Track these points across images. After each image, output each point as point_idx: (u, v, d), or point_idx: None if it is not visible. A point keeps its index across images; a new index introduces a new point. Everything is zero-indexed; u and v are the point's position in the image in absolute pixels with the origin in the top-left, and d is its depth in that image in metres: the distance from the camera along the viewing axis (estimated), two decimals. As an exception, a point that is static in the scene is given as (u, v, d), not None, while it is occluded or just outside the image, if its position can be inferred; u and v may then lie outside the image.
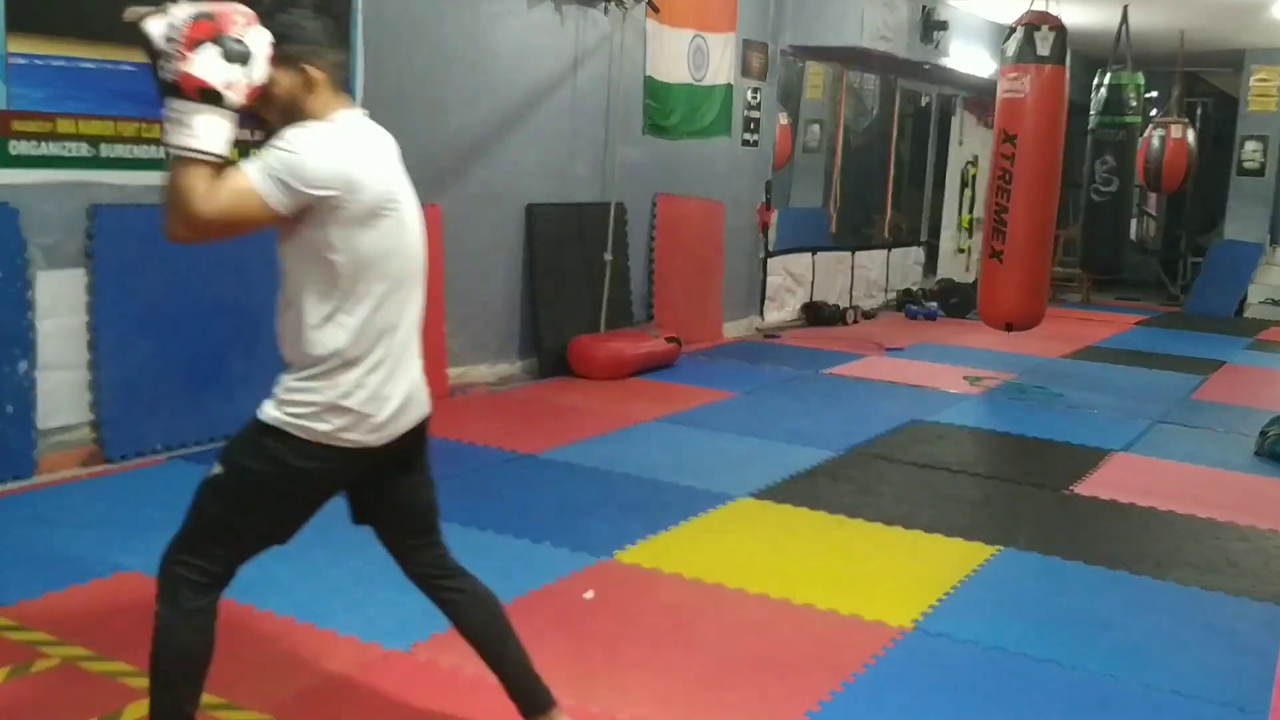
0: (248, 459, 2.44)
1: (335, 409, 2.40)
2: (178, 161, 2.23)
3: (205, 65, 2.16)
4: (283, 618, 3.49)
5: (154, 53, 2.20)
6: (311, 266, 2.37)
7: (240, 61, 2.19)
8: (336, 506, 4.81)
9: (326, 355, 2.39)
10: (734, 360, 8.37)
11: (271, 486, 2.45)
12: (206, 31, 2.16)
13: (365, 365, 2.42)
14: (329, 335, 2.38)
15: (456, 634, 3.42)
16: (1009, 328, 8.13)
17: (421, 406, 2.59)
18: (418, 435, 2.62)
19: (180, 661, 2.50)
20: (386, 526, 2.73)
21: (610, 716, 3.01)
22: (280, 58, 2.31)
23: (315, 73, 2.37)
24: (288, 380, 2.43)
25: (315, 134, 2.31)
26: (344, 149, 2.33)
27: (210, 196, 2.22)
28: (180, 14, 2.17)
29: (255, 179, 2.24)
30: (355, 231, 2.34)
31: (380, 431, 2.47)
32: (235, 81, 2.19)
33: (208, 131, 2.20)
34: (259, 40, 2.24)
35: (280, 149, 2.27)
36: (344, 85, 2.43)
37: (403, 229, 2.45)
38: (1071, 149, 9.95)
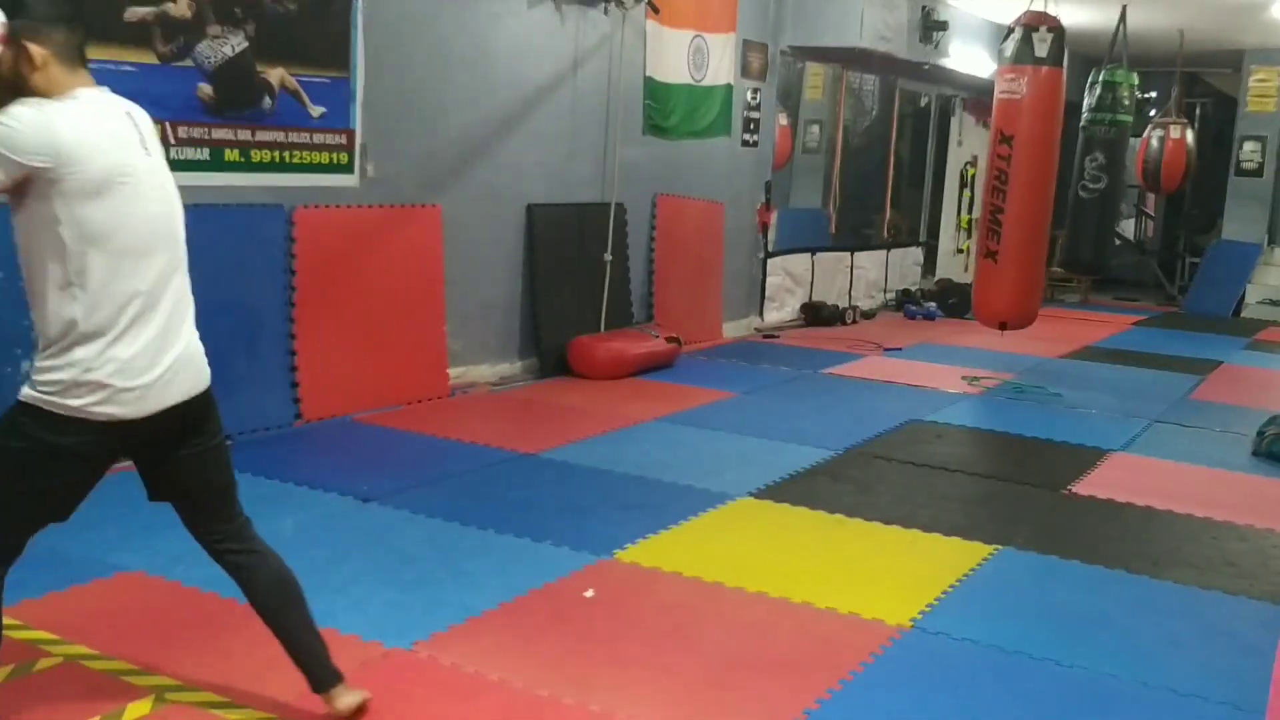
0: (7, 438, 2.49)
1: (83, 384, 2.43)
2: None
3: None
4: (284, 616, 3.50)
5: None
6: (42, 241, 2.40)
7: None
8: (336, 507, 4.83)
9: (64, 329, 2.43)
10: (733, 360, 8.38)
11: (34, 465, 2.48)
12: None
13: (108, 337, 2.44)
14: (65, 308, 2.43)
15: (457, 633, 3.45)
16: (1003, 327, 8.16)
17: (194, 380, 2.63)
18: (196, 408, 2.65)
19: None
20: (179, 504, 2.80)
21: (610, 715, 3.02)
22: (3, 36, 2.35)
23: (37, 49, 2.38)
24: (37, 358, 2.49)
25: (35, 108, 2.35)
26: (62, 123, 2.35)
27: None
28: None
29: None
30: (79, 204, 2.37)
31: (139, 404, 2.49)
32: None
33: None
34: None
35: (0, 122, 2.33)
36: (79, 61, 2.46)
37: (140, 199, 2.47)
38: (1069, 149, 9.97)
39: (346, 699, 2.86)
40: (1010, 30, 7.84)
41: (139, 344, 2.48)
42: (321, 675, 2.84)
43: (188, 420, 2.64)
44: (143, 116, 2.59)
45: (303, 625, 2.82)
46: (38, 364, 2.48)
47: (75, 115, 2.39)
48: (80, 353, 2.44)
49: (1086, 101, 9.79)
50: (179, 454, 2.68)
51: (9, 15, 2.35)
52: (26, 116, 2.33)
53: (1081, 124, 9.86)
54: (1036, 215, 7.86)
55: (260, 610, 2.80)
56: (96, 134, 2.41)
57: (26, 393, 2.47)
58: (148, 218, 2.51)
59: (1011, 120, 7.77)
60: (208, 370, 2.72)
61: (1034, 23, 7.72)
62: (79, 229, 2.38)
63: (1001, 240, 7.83)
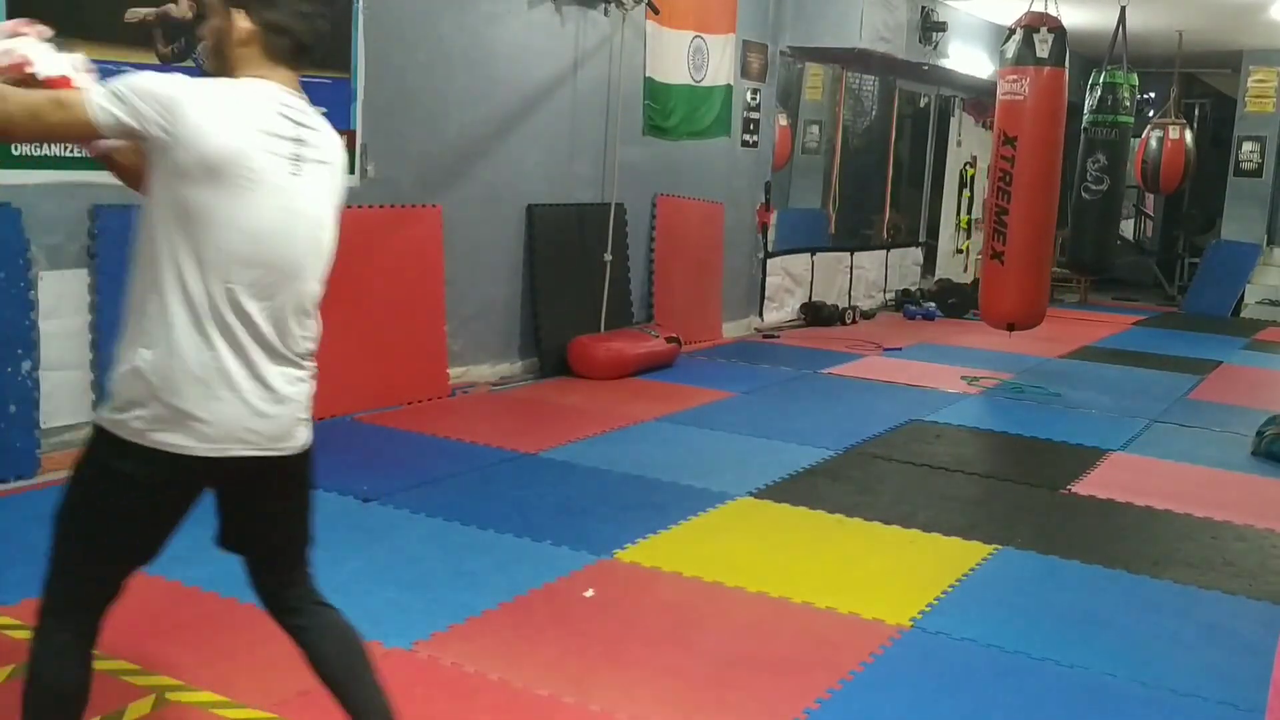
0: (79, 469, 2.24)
1: (143, 405, 2.11)
2: None
3: None
4: (285, 616, 3.50)
5: None
6: (148, 226, 2.12)
7: None
8: (336, 507, 4.83)
9: (139, 336, 2.12)
10: (733, 360, 8.39)
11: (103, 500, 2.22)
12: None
13: (176, 362, 2.10)
14: (148, 310, 2.12)
15: (457, 633, 3.45)
16: (1011, 328, 8.15)
17: (270, 438, 2.21)
18: (273, 472, 2.27)
19: (48, 702, 2.28)
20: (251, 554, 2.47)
21: (610, 715, 3.02)
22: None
23: (243, 25, 2.14)
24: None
25: (178, 76, 2.10)
26: (198, 88, 2.08)
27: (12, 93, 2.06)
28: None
29: (92, 90, 2.08)
30: (183, 184, 2.06)
31: (195, 441, 2.13)
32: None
33: None
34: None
35: None
36: (287, 59, 2.18)
37: (258, 207, 2.11)
38: (1069, 150, 9.96)
39: None
40: (1011, 32, 7.84)
41: (222, 370, 2.16)
42: None
43: (265, 474, 2.29)
44: (325, 141, 2.24)
45: (376, 684, 2.44)
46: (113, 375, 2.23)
47: (218, 91, 2.11)
48: (147, 364, 2.15)
49: (1087, 103, 9.80)
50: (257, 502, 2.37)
51: None
52: (167, 77, 2.07)
53: (1083, 126, 9.87)
54: (1042, 216, 7.86)
55: (325, 680, 2.43)
56: (229, 114, 2.07)
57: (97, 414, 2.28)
58: (268, 229, 2.13)
59: (1015, 122, 7.77)
60: (303, 431, 2.32)
61: (1035, 24, 7.72)
62: (178, 209, 2.08)
63: (1007, 241, 7.83)
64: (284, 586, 2.46)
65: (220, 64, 2.19)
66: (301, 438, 2.29)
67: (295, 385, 2.24)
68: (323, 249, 2.27)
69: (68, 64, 2.20)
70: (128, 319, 2.16)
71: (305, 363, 2.27)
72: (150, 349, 2.10)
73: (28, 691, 2.26)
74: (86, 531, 2.27)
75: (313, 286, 2.26)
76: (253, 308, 2.14)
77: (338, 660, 2.42)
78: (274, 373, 2.19)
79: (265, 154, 2.11)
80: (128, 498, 2.19)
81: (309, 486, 2.41)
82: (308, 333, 2.26)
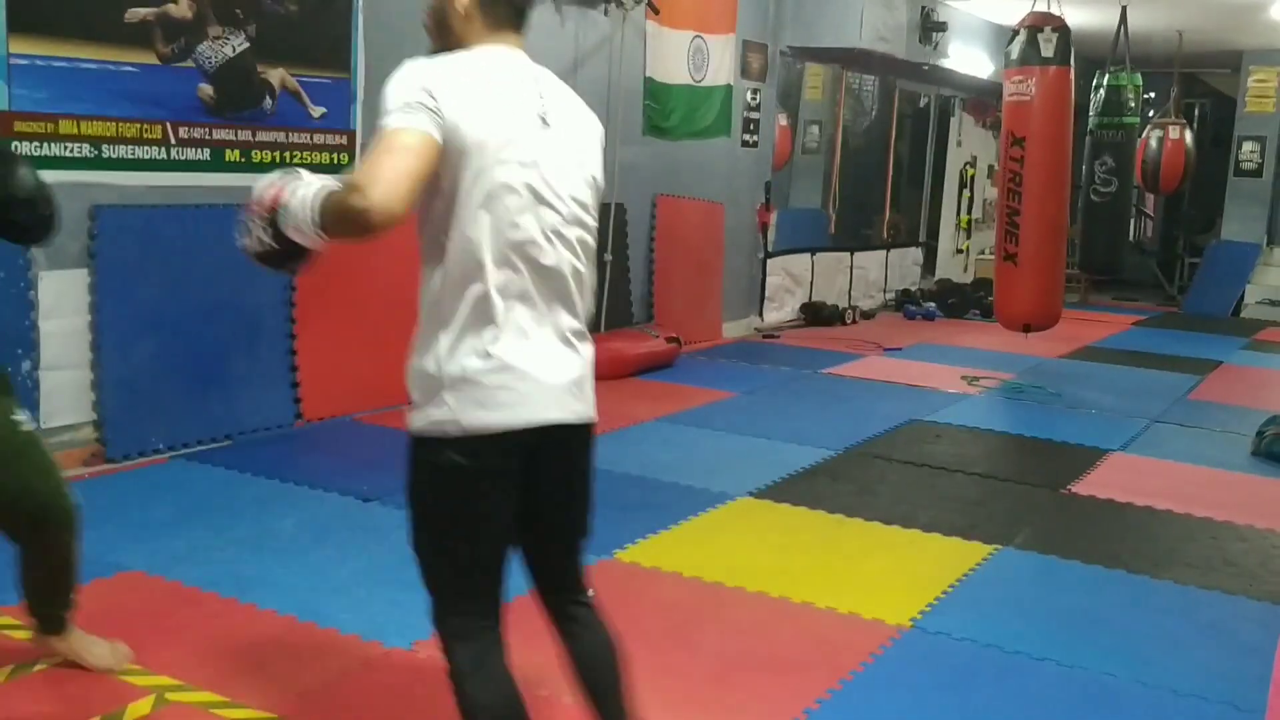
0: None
1: (443, 394, 2.12)
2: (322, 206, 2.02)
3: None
4: (284, 617, 3.51)
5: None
6: (424, 220, 2.14)
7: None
8: (336, 507, 4.83)
9: (426, 317, 2.18)
10: (733, 360, 8.39)
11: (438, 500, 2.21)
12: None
13: (464, 336, 2.12)
14: (430, 289, 2.18)
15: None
16: (1027, 329, 8.13)
17: (561, 405, 2.19)
18: (561, 442, 2.24)
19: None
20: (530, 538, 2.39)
21: (611, 714, 3.02)
22: None
23: (455, 6, 2.19)
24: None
25: (421, 61, 2.10)
26: (443, 72, 2.07)
27: (365, 178, 1.95)
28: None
29: (394, 121, 2.01)
30: (451, 167, 2.05)
31: (501, 415, 2.11)
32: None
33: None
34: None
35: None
36: (509, 24, 2.23)
37: (501, 168, 2.09)
38: (1075, 151, 9.97)
39: None
40: (1015, 33, 7.83)
41: (508, 343, 2.15)
42: None
43: (556, 444, 2.24)
44: (557, 94, 2.28)
45: (626, 701, 2.41)
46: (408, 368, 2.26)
47: (461, 65, 2.12)
48: (437, 345, 2.17)
49: (1093, 105, 9.80)
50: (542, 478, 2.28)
51: None
52: (412, 63, 2.09)
53: (1089, 128, 9.87)
54: (1053, 215, 7.83)
55: (582, 684, 2.42)
56: (480, 86, 2.10)
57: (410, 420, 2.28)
58: (511, 195, 2.12)
59: (1022, 122, 7.75)
60: (588, 400, 2.33)
61: (1038, 23, 7.71)
62: (450, 175, 2.06)
63: (1020, 242, 7.81)
64: (565, 586, 2.47)
65: (446, 39, 2.22)
66: (589, 407, 2.30)
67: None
68: (585, 208, 2.28)
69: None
70: None
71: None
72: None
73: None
74: (440, 544, 2.26)
75: (579, 251, 2.26)
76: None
77: (600, 678, 2.42)
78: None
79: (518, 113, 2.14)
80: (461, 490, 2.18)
81: (592, 462, 2.41)
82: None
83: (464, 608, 2.25)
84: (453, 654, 2.22)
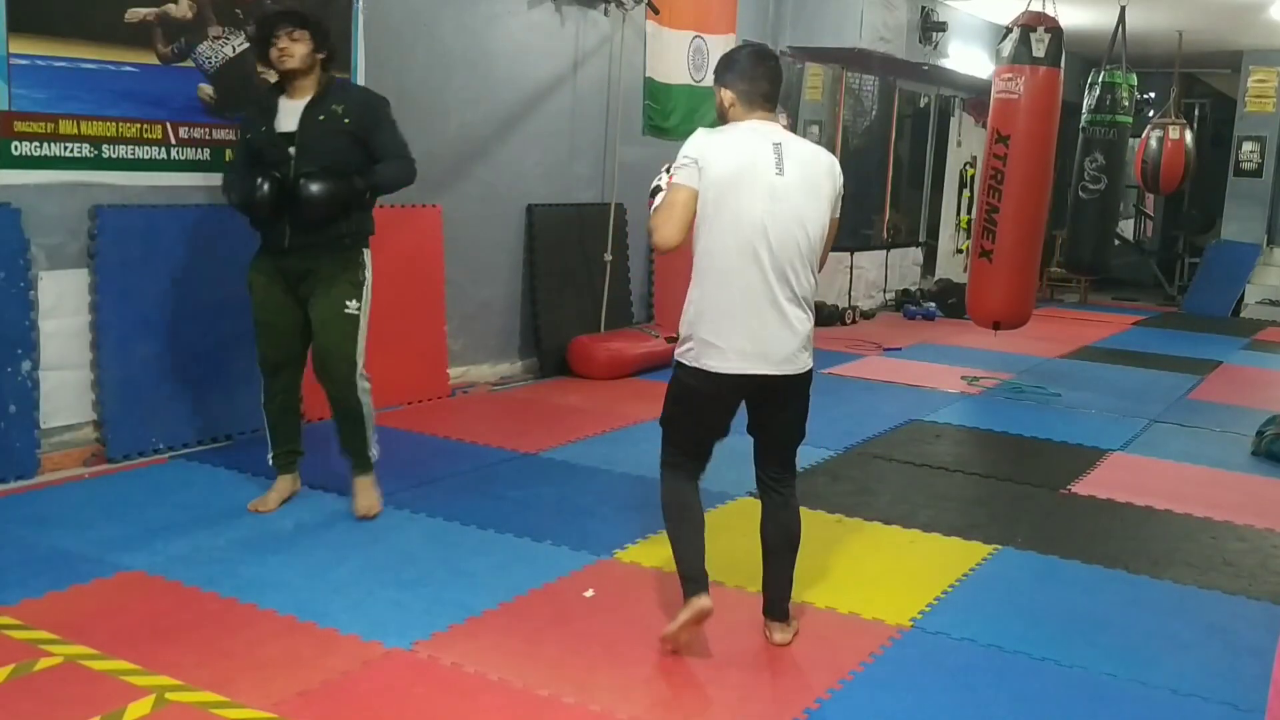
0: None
1: (693, 343, 3.36)
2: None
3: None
4: (284, 617, 3.51)
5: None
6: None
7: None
8: (336, 507, 4.83)
9: (690, 294, 3.38)
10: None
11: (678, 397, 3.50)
12: None
13: (712, 306, 3.31)
14: (699, 278, 3.36)
15: (457, 633, 3.45)
16: (997, 327, 8.15)
17: (770, 363, 3.32)
18: (776, 387, 3.40)
19: (669, 518, 3.50)
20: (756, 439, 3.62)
21: (610, 715, 3.02)
22: (716, 83, 3.49)
23: (724, 93, 3.43)
24: None
25: (701, 131, 3.40)
26: (707, 140, 3.35)
27: (657, 217, 3.37)
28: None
29: (677, 178, 3.35)
30: (704, 195, 3.29)
31: (722, 362, 3.31)
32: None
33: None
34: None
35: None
36: (757, 104, 3.40)
37: (742, 203, 3.26)
38: (1067, 150, 9.96)
39: (779, 634, 3.54)
40: (1008, 30, 7.84)
41: (736, 319, 3.32)
42: (770, 608, 3.56)
43: (770, 390, 3.41)
44: (796, 148, 3.37)
45: (786, 566, 3.57)
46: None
47: (720, 138, 3.36)
48: (688, 314, 3.40)
49: (1086, 102, 9.79)
50: (764, 408, 3.52)
51: (716, 76, 3.49)
52: (692, 137, 3.40)
53: (1081, 125, 9.87)
54: (1032, 215, 7.85)
55: (762, 540, 3.58)
56: (725, 152, 3.30)
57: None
58: (749, 221, 3.26)
59: (1008, 120, 7.76)
60: (793, 357, 3.39)
61: (1032, 23, 7.71)
62: (701, 212, 3.29)
63: (997, 240, 7.82)
64: (773, 474, 3.65)
65: (723, 120, 3.48)
66: (800, 364, 3.40)
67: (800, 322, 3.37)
68: (806, 227, 3.32)
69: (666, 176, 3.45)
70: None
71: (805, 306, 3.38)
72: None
73: (666, 512, 3.52)
74: (671, 417, 3.57)
75: (798, 255, 3.32)
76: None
77: (771, 540, 3.57)
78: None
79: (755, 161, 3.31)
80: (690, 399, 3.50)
81: (807, 404, 3.57)
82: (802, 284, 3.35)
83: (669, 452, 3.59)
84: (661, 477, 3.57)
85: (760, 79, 3.41)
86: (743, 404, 3.49)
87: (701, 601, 3.32)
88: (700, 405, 3.46)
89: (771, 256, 3.25)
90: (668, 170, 3.43)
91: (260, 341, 4.46)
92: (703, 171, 3.29)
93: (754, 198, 3.25)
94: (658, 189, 3.42)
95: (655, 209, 3.35)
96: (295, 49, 4.27)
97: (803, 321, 3.35)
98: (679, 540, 3.45)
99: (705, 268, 3.32)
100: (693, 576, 3.37)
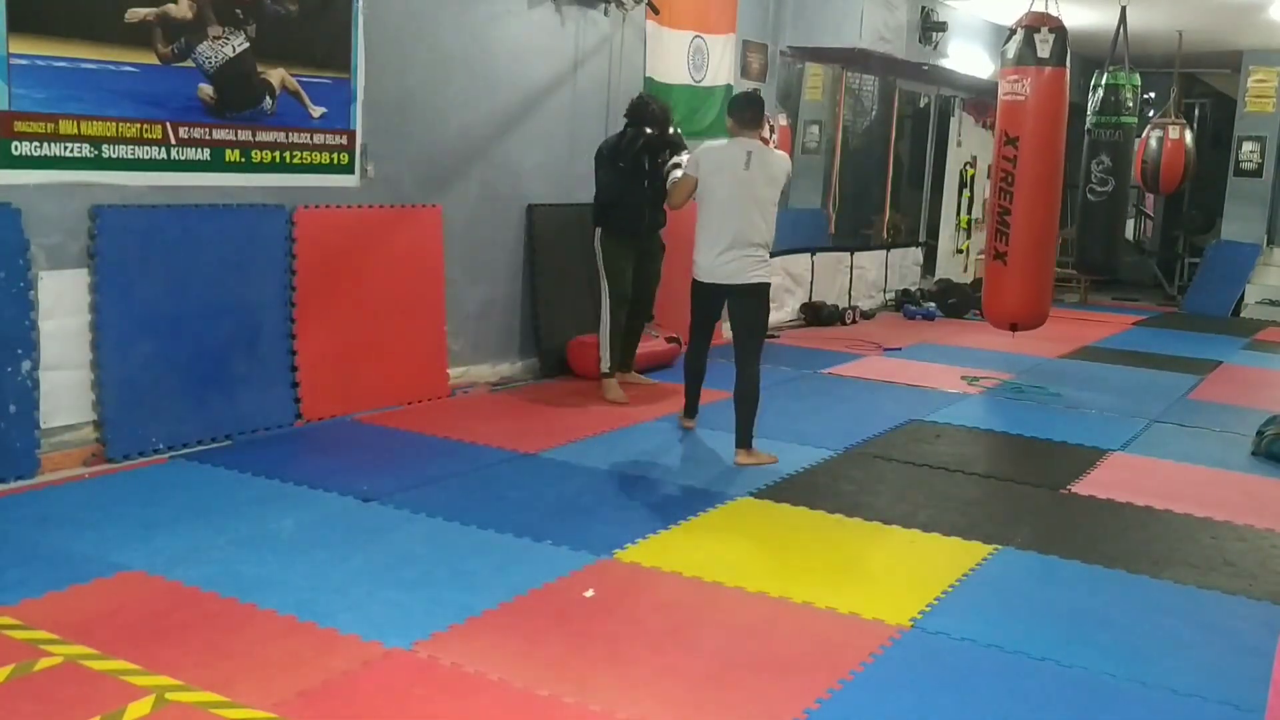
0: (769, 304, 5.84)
1: (696, 264, 5.68)
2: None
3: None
4: (284, 617, 3.51)
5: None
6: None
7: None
8: (336, 507, 4.84)
9: (695, 240, 5.68)
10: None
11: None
12: None
13: (703, 243, 5.60)
14: (699, 228, 5.66)
15: (457, 633, 3.45)
16: (1014, 328, 8.14)
17: (729, 277, 5.55)
18: (735, 291, 5.59)
19: (685, 372, 6.05)
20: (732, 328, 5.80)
21: (610, 715, 3.02)
22: (726, 114, 5.94)
23: (729, 121, 5.76)
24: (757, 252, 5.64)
25: (706, 143, 5.93)
26: (705, 149, 5.78)
27: (672, 190, 6.19)
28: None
29: (685, 170, 5.87)
30: (700, 180, 5.62)
31: (706, 275, 5.63)
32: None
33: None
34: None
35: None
36: (748, 125, 5.62)
37: (721, 185, 5.53)
38: (1071, 150, 9.95)
39: (740, 458, 5.45)
40: (1012, 32, 7.83)
41: (710, 249, 5.56)
42: (738, 440, 5.50)
43: (729, 294, 5.63)
44: (761, 153, 5.59)
45: (745, 412, 5.52)
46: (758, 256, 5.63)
47: (714, 146, 5.76)
48: (698, 246, 5.64)
49: (1090, 104, 9.79)
50: (727, 305, 5.76)
51: (728, 111, 5.85)
52: (699, 147, 5.86)
53: (1086, 127, 9.86)
54: (1044, 216, 7.83)
55: (733, 396, 5.59)
56: (715, 155, 5.64)
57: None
58: (727, 193, 5.51)
59: (1016, 122, 7.75)
60: (741, 273, 5.54)
61: (1035, 24, 7.70)
62: (699, 192, 5.64)
63: (1010, 242, 7.81)
64: (740, 356, 5.59)
65: (730, 135, 5.69)
66: (749, 278, 5.55)
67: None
68: (760, 201, 5.56)
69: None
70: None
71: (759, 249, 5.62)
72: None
73: (685, 368, 6.03)
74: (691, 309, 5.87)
75: (755, 218, 5.54)
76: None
77: (736, 395, 5.55)
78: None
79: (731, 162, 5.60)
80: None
81: (759, 305, 5.62)
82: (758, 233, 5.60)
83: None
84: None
85: (746, 114, 5.65)
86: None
87: (688, 422, 6.05)
88: (697, 300, 5.75)
89: (737, 217, 5.49)
90: (679, 164, 6.05)
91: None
92: (699, 167, 5.66)
93: (728, 182, 5.51)
94: (675, 167, 6.22)
95: (672, 184, 6.20)
96: None
97: (755, 252, 5.53)
98: (687, 387, 6.03)
99: (701, 224, 5.60)
100: (688, 407, 6.06)
